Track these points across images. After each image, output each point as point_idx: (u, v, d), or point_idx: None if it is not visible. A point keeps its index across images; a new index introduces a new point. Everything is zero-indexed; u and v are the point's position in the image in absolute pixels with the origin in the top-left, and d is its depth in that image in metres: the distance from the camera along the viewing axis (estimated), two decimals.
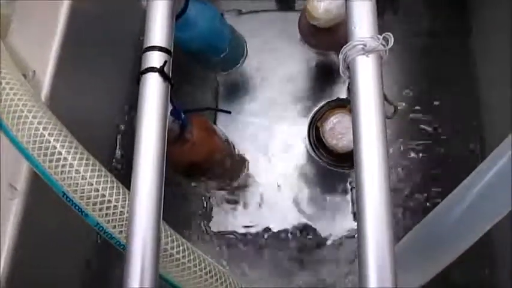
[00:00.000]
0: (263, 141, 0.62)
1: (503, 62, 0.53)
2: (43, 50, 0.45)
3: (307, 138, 0.50)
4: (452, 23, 0.64)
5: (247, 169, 0.60)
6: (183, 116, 0.44)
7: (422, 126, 0.61)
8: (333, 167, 0.50)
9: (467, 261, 0.36)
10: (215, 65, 0.59)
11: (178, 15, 0.47)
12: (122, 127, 0.63)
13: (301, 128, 0.55)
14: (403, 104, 0.61)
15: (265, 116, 0.63)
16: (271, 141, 0.62)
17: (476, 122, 0.60)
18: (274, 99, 0.63)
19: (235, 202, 0.61)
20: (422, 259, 0.39)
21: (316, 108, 0.51)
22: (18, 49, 0.44)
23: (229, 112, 0.54)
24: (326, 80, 0.64)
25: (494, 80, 0.58)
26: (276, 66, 0.65)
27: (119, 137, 0.63)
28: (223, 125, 0.60)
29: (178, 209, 0.61)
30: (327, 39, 0.51)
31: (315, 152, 0.50)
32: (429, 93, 0.62)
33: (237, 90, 0.64)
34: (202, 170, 0.50)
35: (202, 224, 0.60)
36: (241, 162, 0.59)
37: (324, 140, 0.47)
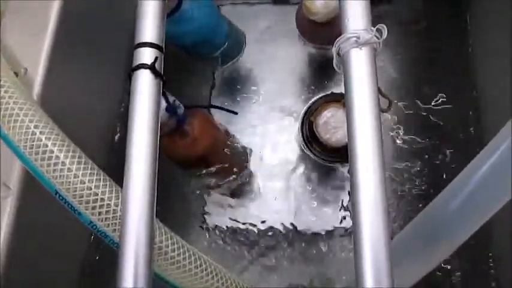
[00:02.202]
0: (259, 136, 0.61)
1: (500, 50, 0.53)
2: (35, 47, 0.44)
3: (300, 133, 0.50)
4: (449, 16, 0.64)
5: (250, 159, 0.60)
6: (181, 112, 0.43)
7: (416, 119, 0.60)
8: (327, 162, 0.49)
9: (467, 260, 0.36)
10: (212, 59, 0.58)
11: (173, 10, 0.47)
12: (118, 124, 0.62)
13: (298, 122, 0.55)
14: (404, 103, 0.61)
15: (262, 110, 0.62)
16: (267, 136, 0.61)
17: (474, 112, 0.60)
18: (271, 93, 0.63)
19: (233, 197, 0.60)
20: (421, 252, 0.39)
21: (309, 103, 0.51)
22: (10, 46, 0.44)
23: (236, 113, 0.53)
24: (324, 74, 0.63)
25: (491, 68, 0.58)
26: (272, 60, 0.64)
27: (115, 134, 0.62)
28: (220, 119, 0.60)
29: (176, 205, 0.61)
30: (326, 33, 0.50)
31: (308, 147, 0.49)
32: (425, 86, 0.61)
33: (234, 84, 0.64)
34: (205, 163, 0.50)
35: (200, 220, 0.60)
36: (244, 153, 0.59)
37: (317, 134, 0.47)
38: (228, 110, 0.53)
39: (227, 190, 0.60)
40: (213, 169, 0.52)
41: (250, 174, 0.60)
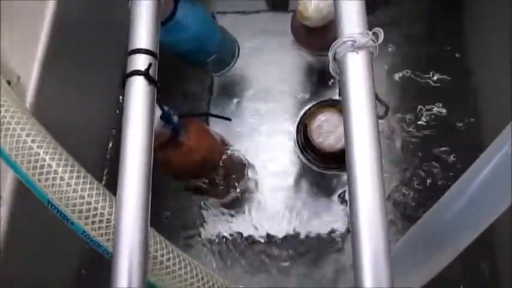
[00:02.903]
0: (255, 143, 0.61)
1: (500, 50, 0.52)
2: (28, 55, 0.44)
3: (295, 138, 0.49)
4: (448, 16, 0.64)
5: (248, 173, 0.59)
6: (176, 120, 0.43)
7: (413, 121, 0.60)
8: (321, 169, 0.48)
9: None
10: (206, 66, 0.58)
11: (168, 18, 0.46)
12: (112, 132, 0.62)
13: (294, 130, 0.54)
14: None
15: (257, 118, 0.62)
16: (264, 144, 0.61)
17: (474, 113, 0.59)
18: (266, 101, 0.63)
19: (231, 207, 0.60)
20: (421, 260, 0.38)
21: (306, 107, 0.50)
22: (3, 54, 0.43)
23: (230, 119, 0.52)
24: (320, 81, 0.63)
25: (491, 68, 0.57)
26: (267, 67, 0.64)
27: (110, 142, 0.62)
28: (216, 128, 0.60)
29: (173, 214, 0.60)
30: (320, 39, 0.50)
31: (302, 153, 0.48)
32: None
33: (229, 92, 0.64)
34: (201, 173, 0.49)
35: (197, 230, 0.59)
36: (241, 165, 0.59)
37: (310, 138, 0.46)
38: (222, 117, 0.52)
39: (225, 200, 0.60)
40: (209, 180, 0.52)
41: (249, 184, 0.60)
